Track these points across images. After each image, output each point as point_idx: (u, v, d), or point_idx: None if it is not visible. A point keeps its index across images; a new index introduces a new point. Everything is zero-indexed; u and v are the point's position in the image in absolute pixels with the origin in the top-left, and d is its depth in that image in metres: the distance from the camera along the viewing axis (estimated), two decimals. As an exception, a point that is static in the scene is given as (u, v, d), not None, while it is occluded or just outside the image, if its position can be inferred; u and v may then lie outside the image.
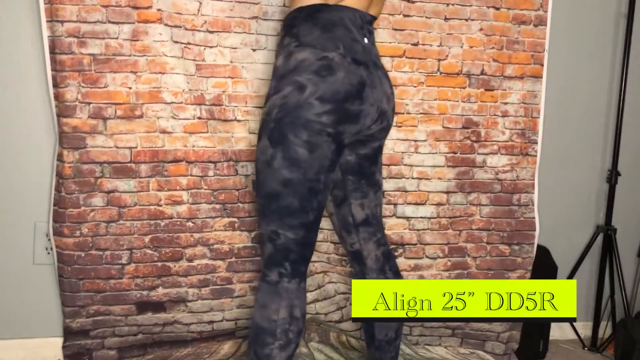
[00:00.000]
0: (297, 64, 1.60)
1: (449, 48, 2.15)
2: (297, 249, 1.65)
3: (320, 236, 2.18)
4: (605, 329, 2.62)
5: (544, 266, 2.41)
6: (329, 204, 1.87)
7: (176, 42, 1.96)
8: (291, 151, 1.58)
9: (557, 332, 2.61)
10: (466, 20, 2.14)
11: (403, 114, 2.14)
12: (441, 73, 2.16)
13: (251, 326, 1.67)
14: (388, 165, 2.16)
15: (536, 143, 2.26)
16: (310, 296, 2.25)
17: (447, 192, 2.23)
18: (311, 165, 1.60)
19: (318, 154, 1.60)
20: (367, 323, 1.90)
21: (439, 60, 2.15)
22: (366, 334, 1.92)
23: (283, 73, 1.61)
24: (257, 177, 1.64)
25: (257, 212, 1.68)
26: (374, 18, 1.73)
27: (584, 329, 2.65)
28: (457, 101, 2.18)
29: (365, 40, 1.66)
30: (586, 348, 2.57)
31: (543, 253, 2.42)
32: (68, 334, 2.09)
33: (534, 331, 2.42)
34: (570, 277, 2.54)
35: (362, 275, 1.89)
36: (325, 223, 2.17)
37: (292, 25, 1.65)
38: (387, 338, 1.90)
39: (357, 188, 1.82)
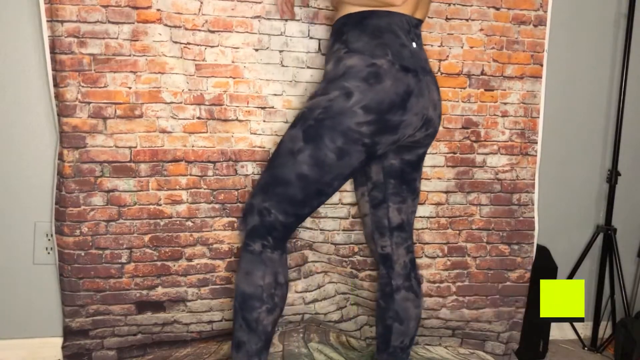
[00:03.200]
0: (346, 69, 1.63)
1: (450, 48, 2.15)
2: (282, 229, 1.71)
3: (320, 237, 2.18)
4: (605, 329, 2.62)
5: (544, 266, 2.41)
6: (365, 204, 1.91)
7: (176, 42, 1.96)
8: (321, 153, 1.63)
9: (557, 332, 2.61)
10: (467, 20, 2.14)
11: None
12: (442, 73, 2.16)
13: (236, 295, 1.73)
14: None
15: (536, 143, 2.26)
16: (310, 296, 2.24)
17: (447, 192, 2.23)
18: (332, 170, 1.65)
19: (344, 162, 1.64)
20: (384, 328, 1.91)
21: (440, 60, 2.15)
22: (381, 339, 1.93)
23: (332, 77, 1.66)
24: (274, 157, 1.70)
25: (259, 182, 1.73)
26: (421, 21, 1.74)
27: (584, 329, 2.65)
28: (458, 101, 2.18)
29: (414, 44, 1.68)
30: (586, 348, 2.57)
31: (543, 253, 2.42)
32: (68, 333, 2.09)
33: (534, 331, 2.42)
34: (570, 277, 2.54)
35: (387, 278, 1.91)
36: (326, 224, 2.17)
37: (342, 32, 1.68)
38: (403, 345, 1.91)
39: (398, 192, 1.85)
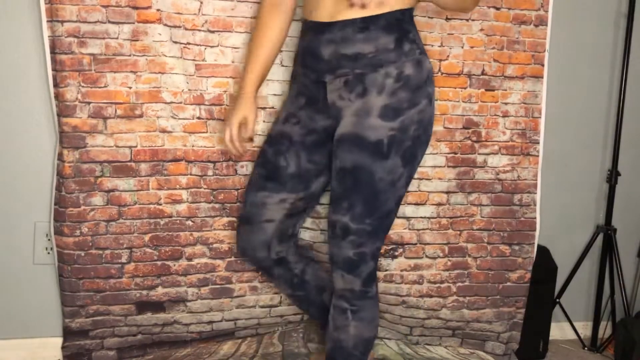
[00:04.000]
0: (428, 73, 1.57)
1: (450, 48, 2.14)
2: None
3: (321, 237, 2.18)
4: (605, 329, 2.62)
5: (544, 266, 2.41)
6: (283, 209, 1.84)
7: (175, 42, 1.96)
8: (413, 170, 1.60)
9: (557, 332, 2.61)
10: (467, 20, 2.14)
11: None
12: (442, 73, 2.15)
13: (356, 344, 1.68)
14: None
15: (537, 143, 2.25)
16: (310, 296, 2.25)
17: (448, 192, 2.23)
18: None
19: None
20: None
21: (440, 60, 2.15)
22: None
23: (418, 84, 1.54)
24: (374, 197, 1.57)
25: (360, 235, 1.60)
26: None
27: (584, 329, 2.65)
28: (458, 101, 2.18)
29: None
30: (586, 348, 2.57)
31: (543, 253, 2.42)
32: (67, 334, 2.09)
33: (534, 331, 2.42)
34: (570, 277, 2.54)
35: None
36: (326, 224, 2.16)
37: (406, 30, 1.57)
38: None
39: None
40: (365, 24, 1.53)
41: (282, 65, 2.06)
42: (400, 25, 1.55)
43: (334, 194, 1.65)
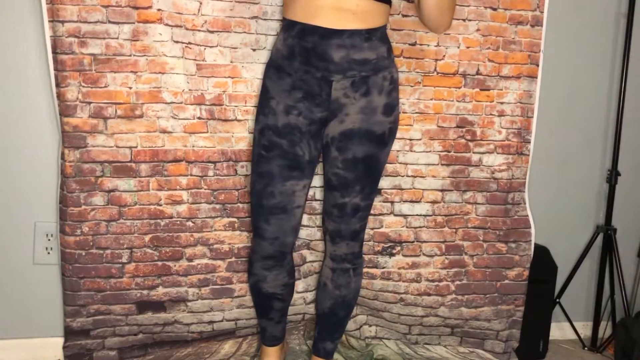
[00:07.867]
0: (398, 76, 1.89)
1: (446, 48, 2.15)
2: None
3: (317, 235, 2.20)
4: (605, 329, 2.62)
5: (543, 266, 2.41)
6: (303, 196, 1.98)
7: (176, 42, 1.97)
8: None
9: (557, 332, 2.61)
10: (463, 20, 2.15)
11: (400, 112, 2.14)
12: (438, 73, 2.16)
13: (356, 293, 2.01)
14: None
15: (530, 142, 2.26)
16: (310, 296, 2.25)
17: (442, 190, 2.23)
18: None
19: None
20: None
21: (436, 60, 2.15)
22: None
23: (398, 85, 1.87)
24: (378, 177, 1.89)
25: (366, 208, 1.91)
26: None
27: (584, 329, 2.64)
28: (452, 101, 2.18)
29: None
30: (586, 348, 2.57)
31: (543, 253, 2.42)
32: (69, 333, 2.09)
33: (534, 331, 2.42)
34: (570, 277, 2.54)
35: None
36: (320, 221, 2.17)
37: (389, 42, 1.84)
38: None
39: None
40: (369, 35, 1.75)
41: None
42: (386, 37, 1.82)
43: (343, 180, 1.85)
